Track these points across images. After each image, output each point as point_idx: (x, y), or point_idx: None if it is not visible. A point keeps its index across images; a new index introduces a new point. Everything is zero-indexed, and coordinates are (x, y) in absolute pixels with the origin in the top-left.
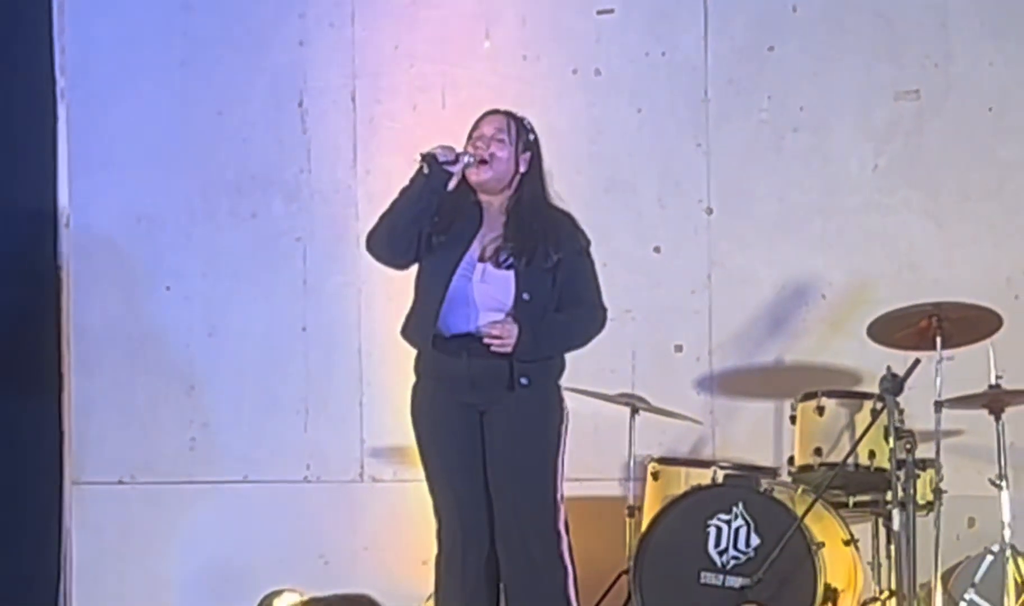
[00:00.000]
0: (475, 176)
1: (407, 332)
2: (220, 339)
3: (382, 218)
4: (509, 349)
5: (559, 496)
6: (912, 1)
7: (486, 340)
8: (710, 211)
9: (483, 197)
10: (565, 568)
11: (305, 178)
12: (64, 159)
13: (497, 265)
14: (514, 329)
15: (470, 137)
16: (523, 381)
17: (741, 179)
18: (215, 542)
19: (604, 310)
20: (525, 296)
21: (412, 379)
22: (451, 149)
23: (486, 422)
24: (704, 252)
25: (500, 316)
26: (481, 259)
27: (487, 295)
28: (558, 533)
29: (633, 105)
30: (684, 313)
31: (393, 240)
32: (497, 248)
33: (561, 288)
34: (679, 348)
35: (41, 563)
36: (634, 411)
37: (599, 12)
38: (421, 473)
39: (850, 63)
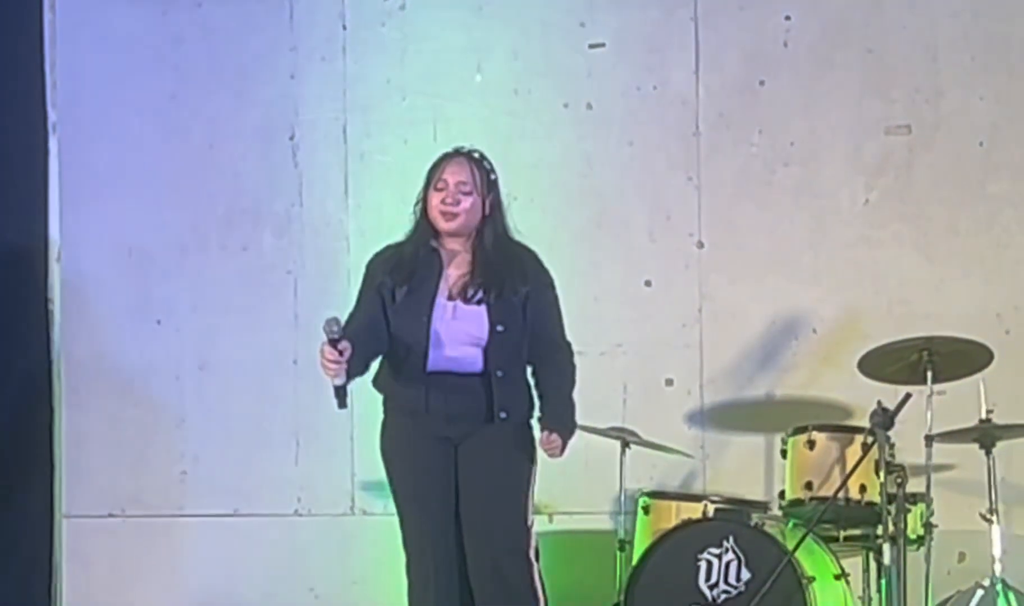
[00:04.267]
0: (445, 226)
1: (383, 380)
2: (210, 372)
3: None
4: (560, 455)
5: (530, 523)
6: (902, 36)
7: (546, 450)
8: (701, 245)
9: (444, 240)
10: (537, 597)
11: (296, 212)
12: (55, 192)
13: (467, 301)
14: (557, 440)
15: (430, 181)
16: (503, 415)
17: (732, 213)
18: (205, 575)
19: (570, 346)
20: (499, 328)
21: None
22: (334, 321)
23: (460, 454)
24: (695, 286)
25: (476, 351)
26: (450, 298)
27: (460, 331)
28: (530, 561)
29: (624, 139)
30: (675, 347)
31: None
32: (464, 285)
33: (531, 321)
34: (670, 382)
35: (32, 597)
36: (625, 445)
37: (590, 46)
38: None
39: (841, 98)
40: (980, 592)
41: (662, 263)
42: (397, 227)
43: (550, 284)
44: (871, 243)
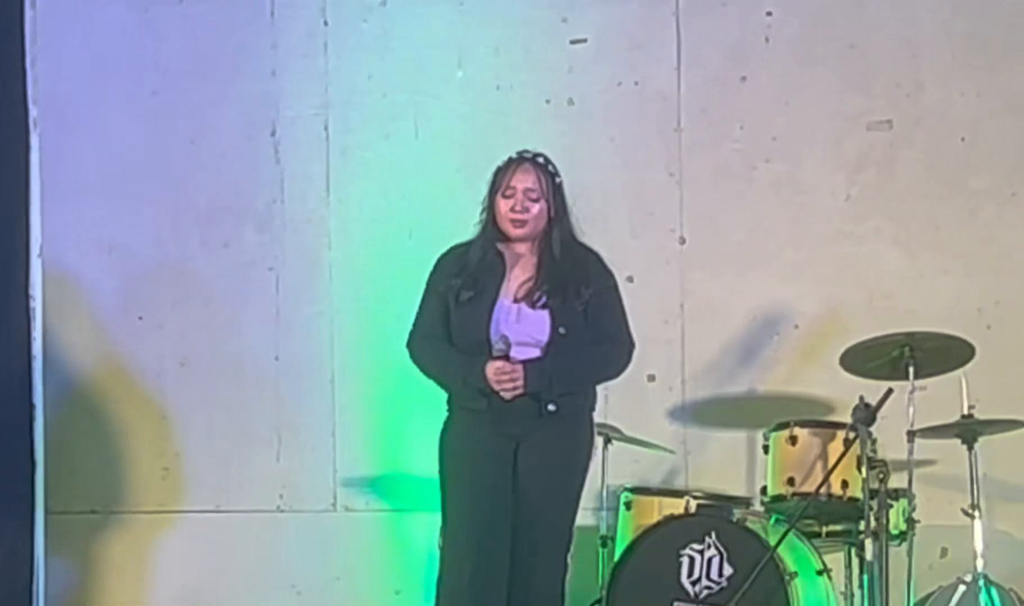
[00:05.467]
0: (514, 232)
1: None
2: (192, 369)
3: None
4: (520, 390)
5: (574, 528)
6: (884, 31)
7: (496, 388)
8: (682, 241)
9: (509, 242)
10: (561, 602)
11: (277, 208)
12: (36, 189)
13: (532, 306)
14: (519, 369)
15: (497, 187)
16: (551, 407)
17: (713, 209)
18: (187, 572)
19: (632, 343)
20: (561, 330)
21: (385, 408)
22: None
23: (520, 453)
24: (676, 282)
25: (535, 352)
26: (515, 300)
27: (523, 333)
28: (566, 564)
29: (606, 134)
30: (657, 343)
31: None
32: (530, 289)
33: (592, 323)
34: (652, 378)
35: (13, 593)
36: (607, 441)
37: (572, 42)
38: (394, 503)
39: (822, 93)
40: (962, 587)
41: (644, 259)
42: (379, 223)
43: (612, 286)
44: (852, 238)
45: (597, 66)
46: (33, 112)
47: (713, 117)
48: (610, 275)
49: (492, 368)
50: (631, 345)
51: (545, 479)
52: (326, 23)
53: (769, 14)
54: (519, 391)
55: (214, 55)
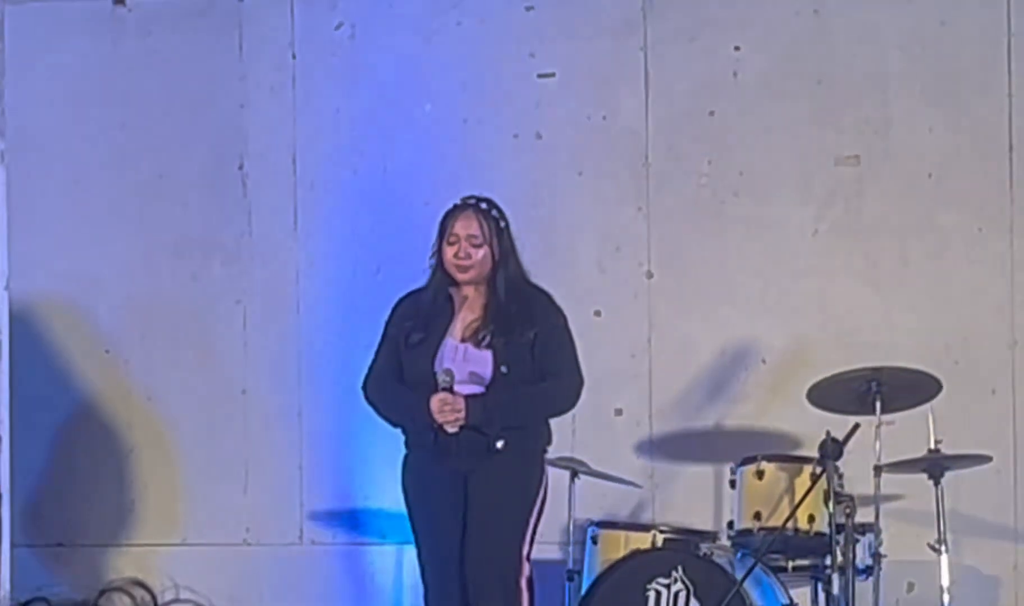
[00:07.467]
0: (459, 277)
1: None
2: (159, 402)
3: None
4: (461, 422)
5: (525, 554)
6: (853, 67)
7: (439, 420)
8: (650, 275)
9: (459, 285)
10: None
11: (245, 241)
12: (3, 221)
13: (477, 345)
14: (460, 401)
15: (443, 234)
16: (499, 444)
17: (681, 243)
18: None
19: (580, 379)
20: (503, 369)
21: (352, 444)
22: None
23: (469, 485)
24: (644, 316)
25: (480, 389)
26: (462, 340)
27: (467, 372)
28: (520, 589)
29: (574, 169)
30: (624, 377)
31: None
32: (476, 329)
33: (539, 361)
34: (619, 412)
35: None
36: (574, 475)
37: (540, 76)
38: (360, 536)
39: (790, 128)
40: None
41: (611, 293)
42: (346, 257)
43: (559, 324)
44: (820, 273)
45: (565, 100)
46: (0, 145)
47: (681, 152)
48: (558, 313)
49: (435, 400)
50: (579, 381)
51: (492, 512)
52: (294, 57)
53: (737, 49)
54: (461, 423)
55: (182, 88)
